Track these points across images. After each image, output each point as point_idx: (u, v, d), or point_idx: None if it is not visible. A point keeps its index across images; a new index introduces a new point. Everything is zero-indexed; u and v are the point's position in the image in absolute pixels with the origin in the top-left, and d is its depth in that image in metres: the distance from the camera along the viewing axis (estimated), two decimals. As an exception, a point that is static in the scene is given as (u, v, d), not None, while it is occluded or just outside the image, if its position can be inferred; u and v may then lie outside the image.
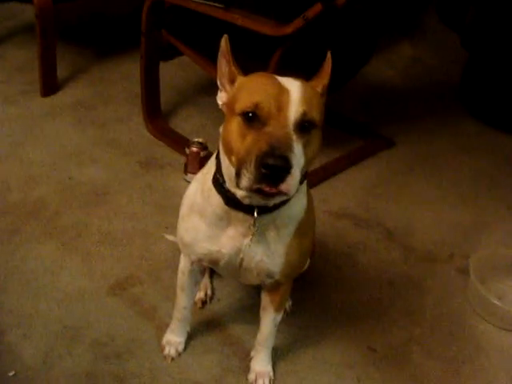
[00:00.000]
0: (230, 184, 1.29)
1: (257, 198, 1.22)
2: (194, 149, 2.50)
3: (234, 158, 1.20)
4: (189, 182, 2.54)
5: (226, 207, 1.32)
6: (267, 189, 1.11)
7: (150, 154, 2.73)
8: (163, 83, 2.96)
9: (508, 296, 2.16)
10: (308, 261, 1.72)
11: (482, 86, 3.41)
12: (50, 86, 3.11)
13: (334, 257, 2.26)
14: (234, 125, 1.20)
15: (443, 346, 1.94)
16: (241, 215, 1.32)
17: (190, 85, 3.35)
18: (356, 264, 2.23)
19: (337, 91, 2.91)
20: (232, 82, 1.31)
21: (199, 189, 1.43)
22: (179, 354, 1.79)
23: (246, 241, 1.36)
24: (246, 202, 1.28)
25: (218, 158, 1.34)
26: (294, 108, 1.16)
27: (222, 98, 1.34)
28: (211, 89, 3.12)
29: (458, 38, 3.55)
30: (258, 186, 1.11)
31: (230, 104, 1.26)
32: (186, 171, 2.55)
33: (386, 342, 1.94)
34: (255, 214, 1.29)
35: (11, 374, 1.69)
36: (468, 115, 3.41)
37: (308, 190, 1.47)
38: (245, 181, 1.12)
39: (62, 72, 3.23)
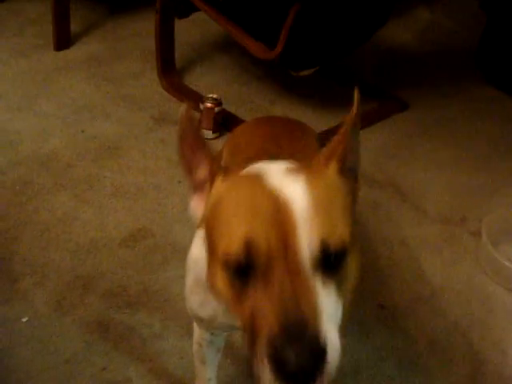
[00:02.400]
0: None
1: None
2: (209, 104, 2.49)
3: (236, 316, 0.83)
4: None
5: None
6: None
7: (163, 110, 2.71)
8: (178, 40, 2.93)
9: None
10: None
11: (499, 51, 3.34)
12: (63, 40, 3.09)
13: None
14: (220, 278, 0.82)
15: (452, 306, 1.95)
16: None
17: (205, 42, 3.32)
18: (367, 223, 2.23)
19: (349, 55, 2.89)
20: (212, 180, 0.89)
21: (203, 252, 0.94)
22: None
23: None
24: None
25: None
26: (306, 237, 0.76)
27: (195, 207, 0.93)
28: (227, 46, 3.12)
29: (477, 1, 3.49)
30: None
31: (207, 229, 0.87)
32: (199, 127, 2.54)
33: (396, 300, 1.94)
34: None
35: (24, 319, 1.72)
36: (484, 81, 3.36)
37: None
38: (267, 378, 0.72)
39: (75, 27, 3.20)
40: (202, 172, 0.92)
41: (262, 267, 0.75)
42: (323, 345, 0.71)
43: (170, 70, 2.90)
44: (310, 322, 0.71)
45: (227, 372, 1.63)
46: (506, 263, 2.00)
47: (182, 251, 1.80)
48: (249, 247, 0.75)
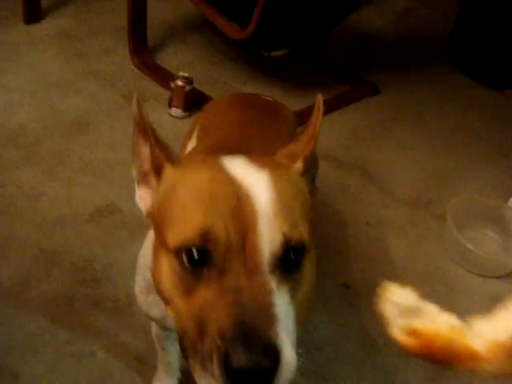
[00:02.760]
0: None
1: None
2: (180, 82, 2.48)
3: (173, 316, 0.78)
4: (173, 116, 2.59)
5: None
6: None
7: (134, 87, 2.69)
8: (151, 18, 2.90)
9: (481, 243, 2.19)
10: None
11: (471, 40, 3.38)
12: (33, 13, 3.04)
13: (313, 196, 2.27)
14: (168, 269, 0.75)
15: (415, 287, 1.97)
16: None
17: (178, 20, 3.29)
18: (335, 204, 2.25)
19: (321, 37, 2.90)
20: (157, 172, 0.85)
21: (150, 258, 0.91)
22: None
23: None
24: None
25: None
26: (268, 231, 0.71)
27: (143, 199, 0.88)
28: (200, 26, 3.10)
29: (451, -12, 3.52)
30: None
31: (157, 225, 0.81)
32: (170, 105, 2.53)
33: (361, 279, 1.97)
34: None
35: (-12, 292, 1.71)
36: (456, 69, 3.39)
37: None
38: (201, 377, 0.69)
39: (46, 1, 3.15)
40: (147, 164, 0.88)
41: (218, 259, 0.71)
42: (278, 357, 0.67)
43: (141, 47, 2.88)
44: (264, 323, 0.67)
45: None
46: (469, 247, 2.03)
47: (149, 227, 1.81)
48: (206, 237, 0.71)
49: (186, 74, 2.53)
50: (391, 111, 2.91)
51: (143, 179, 0.89)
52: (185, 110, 2.51)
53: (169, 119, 2.53)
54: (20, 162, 2.18)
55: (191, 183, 0.78)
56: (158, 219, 0.80)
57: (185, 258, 0.72)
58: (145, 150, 0.87)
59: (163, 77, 2.72)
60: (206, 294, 0.70)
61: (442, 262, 2.10)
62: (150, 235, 1.00)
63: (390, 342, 1.76)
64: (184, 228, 0.73)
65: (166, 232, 0.76)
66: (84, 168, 2.20)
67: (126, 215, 2.02)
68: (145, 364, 1.59)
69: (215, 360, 0.65)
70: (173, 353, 1.44)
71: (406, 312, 0.48)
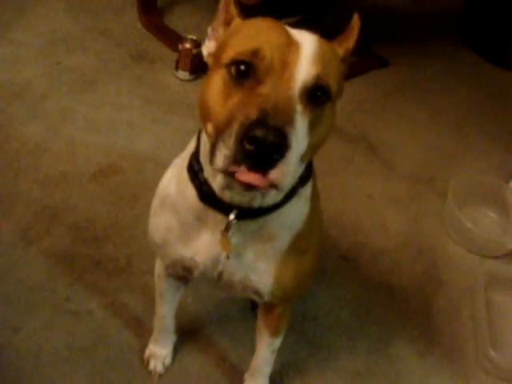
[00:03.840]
0: (207, 171, 1.00)
1: (237, 191, 0.91)
2: (187, 45, 2.46)
3: (210, 127, 0.89)
4: (179, 79, 2.58)
5: (202, 204, 1.02)
6: (244, 178, 0.80)
7: (141, 48, 2.67)
8: (161, -23, 2.87)
9: (481, 222, 2.20)
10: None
11: (481, 18, 3.34)
12: (43, -33, 2.99)
13: (315, 166, 2.27)
14: (217, 80, 0.89)
15: (412, 262, 2.00)
16: (219, 217, 1.01)
17: (188, -19, 3.26)
18: (337, 175, 2.25)
19: (331, 7, 2.87)
20: (227, 23, 1.01)
21: (175, 177, 1.11)
22: (166, 369, 1.55)
23: (223, 252, 1.05)
24: (226, 198, 0.98)
25: (198, 137, 1.05)
26: (305, 67, 0.85)
27: (209, 47, 1.02)
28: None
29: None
30: (236, 167, 0.79)
31: (217, 53, 0.95)
32: (177, 67, 2.51)
33: (358, 252, 1.98)
34: (231, 217, 0.98)
35: (-11, 246, 1.72)
36: (465, 46, 3.36)
37: (315, 194, 1.15)
38: (219, 158, 0.80)
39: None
40: (220, 20, 1.03)
41: (259, 74, 0.85)
42: (287, 141, 0.78)
43: (150, 8, 2.85)
44: (284, 120, 0.79)
45: (188, 310, 1.66)
46: (469, 225, 2.04)
47: (152, 190, 1.80)
48: (255, 54, 0.85)
49: (194, 37, 2.50)
50: (398, 85, 2.89)
51: (212, 35, 1.04)
52: (192, 72, 2.50)
53: (175, 82, 2.51)
54: (25, 118, 2.17)
55: (253, 24, 0.94)
56: (218, 52, 0.95)
57: (233, 69, 0.87)
58: (222, 14, 1.03)
59: (171, 38, 2.70)
60: (242, 96, 0.85)
61: (442, 239, 2.11)
62: (174, 165, 1.15)
63: (384, 315, 1.79)
64: (239, 47, 0.88)
65: (224, 54, 0.91)
66: (88, 127, 2.19)
67: (129, 176, 2.02)
68: (142, 325, 1.61)
69: (235, 132, 0.79)
70: (170, 304, 1.45)
71: None
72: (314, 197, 1.13)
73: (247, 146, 0.77)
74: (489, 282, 1.91)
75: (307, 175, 1.05)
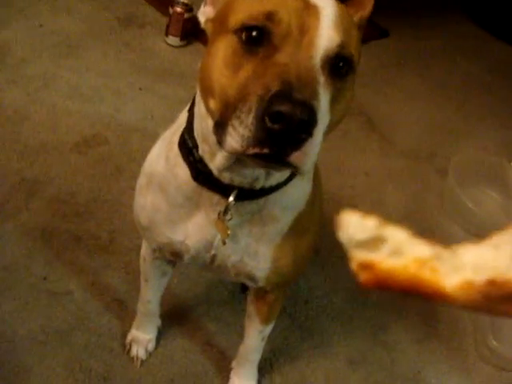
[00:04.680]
0: (203, 149, 0.89)
1: (243, 172, 0.85)
2: (178, 9, 2.33)
3: (214, 103, 0.78)
4: (169, 45, 2.45)
5: (195, 184, 0.92)
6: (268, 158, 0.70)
7: (130, 11, 2.54)
8: None
9: (481, 202, 2.11)
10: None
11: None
12: None
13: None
14: (224, 47, 0.78)
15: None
16: (215, 198, 0.92)
17: None
18: (333, 149, 2.14)
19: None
20: None
21: (163, 153, 0.99)
22: (150, 355, 1.46)
23: (219, 235, 0.96)
24: (225, 178, 0.88)
25: (191, 110, 0.94)
26: (327, 33, 0.75)
27: (206, 12, 0.89)
28: None
29: None
30: (258, 150, 0.69)
31: (220, 18, 0.83)
32: (167, 33, 2.38)
33: (355, 232, 1.89)
34: (230, 198, 0.89)
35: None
36: (468, 18, 3.25)
37: (317, 171, 1.07)
38: (235, 139, 0.70)
39: None
40: None
41: (275, 40, 0.74)
42: (316, 117, 0.68)
43: (140, -32, 2.70)
44: (310, 93, 0.69)
45: (174, 291, 1.57)
46: (469, 205, 1.95)
47: (138, 162, 1.69)
48: (270, 17, 0.74)
49: (185, 0, 2.37)
50: (399, 57, 2.79)
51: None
52: (182, 38, 2.37)
53: (165, 48, 2.39)
54: (3, 83, 2.04)
55: None
56: (221, 16, 0.83)
57: (244, 35, 0.75)
58: None
59: (161, 2, 2.56)
60: (255, 66, 0.73)
61: (441, 219, 2.02)
62: (163, 139, 1.03)
63: (381, 299, 1.71)
64: (250, 9, 0.76)
65: (230, 18, 0.79)
66: (71, 94, 2.06)
67: (113, 147, 1.91)
68: (124, 307, 1.52)
69: (254, 107, 0.68)
70: (155, 288, 1.35)
71: (364, 243, 0.40)
72: (316, 173, 1.05)
73: (271, 125, 0.66)
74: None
75: None
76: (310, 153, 0.70)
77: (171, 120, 1.04)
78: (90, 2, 2.54)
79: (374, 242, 0.43)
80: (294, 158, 0.69)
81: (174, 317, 1.54)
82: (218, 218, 0.92)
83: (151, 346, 1.46)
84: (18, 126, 1.91)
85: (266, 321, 1.26)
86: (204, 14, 0.89)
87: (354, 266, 0.43)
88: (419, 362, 1.60)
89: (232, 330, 1.53)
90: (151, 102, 2.11)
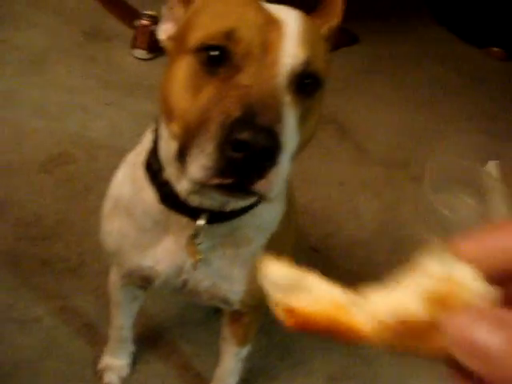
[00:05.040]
0: (169, 171, 0.85)
1: (212, 195, 0.81)
2: (145, 22, 2.30)
3: (175, 126, 0.75)
4: (136, 58, 2.40)
5: (162, 207, 0.89)
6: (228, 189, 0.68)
7: (96, 24, 2.49)
8: None
9: (457, 208, 2.10)
10: None
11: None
12: None
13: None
14: (184, 68, 0.75)
15: (387, 252, 1.88)
16: (184, 220, 0.88)
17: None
18: (306, 159, 2.10)
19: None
20: (187, 2, 0.84)
21: (129, 176, 0.96)
22: (123, 381, 1.41)
23: (190, 260, 0.92)
24: (194, 201, 0.84)
25: (156, 130, 0.90)
26: (291, 50, 0.72)
27: (166, 30, 0.86)
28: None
29: None
30: (220, 180, 0.66)
31: (181, 36, 0.80)
32: (134, 46, 2.35)
33: (330, 243, 1.86)
34: (200, 222, 0.85)
35: None
36: (435, 22, 3.26)
37: (290, 189, 1.03)
38: (196, 169, 0.67)
39: None
40: (181, 6, 0.86)
41: (237, 59, 0.71)
42: (279, 143, 0.65)
43: (105, -20, 2.66)
44: (273, 117, 0.65)
45: (147, 313, 1.52)
46: (445, 212, 1.93)
47: (106, 180, 1.65)
48: (230, 36, 0.71)
49: (151, 12, 2.33)
50: (369, 63, 2.78)
51: (169, 15, 0.87)
52: (150, 51, 2.34)
53: (132, 61, 2.34)
54: (-35, 102, 1.99)
55: (222, 0, 0.78)
56: (180, 34, 0.80)
57: (203, 56, 0.73)
58: None
59: (127, 14, 2.53)
60: (217, 87, 0.70)
61: (416, 227, 2.00)
62: (128, 161, 0.99)
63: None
64: (209, 27, 0.73)
65: (189, 37, 0.76)
66: (36, 111, 2.01)
67: (81, 166, 1.86)
68: (95, 332, 1.46)
69: (214, 134, 0.65)
70: (127, 314, 1.30)
71: (284, 288, 0.41)
72: (289, 191, 1.02)
73: (232, 154, 0.63)
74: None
75: None
76: (276, 180, 0.67)
77: (139, 135, 1.01)
78: (54, 15, 2.49)
79: (295, 289, 0.44)
80: (259, 186, 0.66)
81: (148, 340, 1.49)
82: (188, 242, 0.88)
83: (125, 372, 1.41)
84: (-19, 150, 1.85)
85: (242, 343, 1.22)
86: (164, 31, 0.86)
87: (278, 310, 0.43)
88: (402, 375, 1.57)
89: (208, 351, 1.49)
90: (119, 117, 2.06)
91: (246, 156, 0.62)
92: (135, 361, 1.44)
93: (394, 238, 1.94)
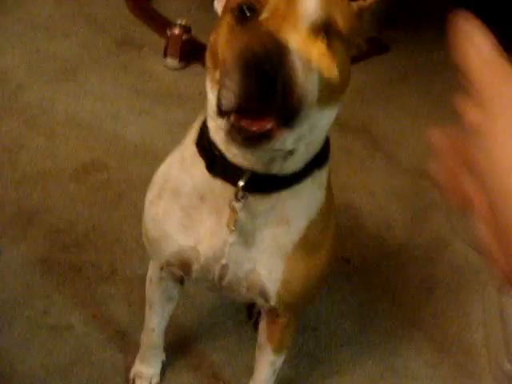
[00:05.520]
0: (216, 137, 0.92)
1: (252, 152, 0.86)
2: (176, 31, 2.31)
3: (218, 73, 0.84)
4: (168, 67, 2.42)
5: (210, 180, 0.94)
6: (244, 122, 0.76)
7: (127, 34, 2.51)
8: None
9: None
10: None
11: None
12: None
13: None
14: (223, 26, 0.86)
15: (418, 264, 1.87)
16: (228, 194, 0.92)
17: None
18: (337, 169, 2.10)
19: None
20: None
21: (178, 156, 1.03)
22: None
23: (232, 238, 0.96)
24: (237, 159, 0.89)
25: (204, 123, 0.97)
26: (312, 5, 0.81)
27: (220, 1, 0.97)
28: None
29: None
30: (241, 100, 0.74)
31: (226, 2, 0.92)
32: (165, 54, 2.36)
33: (361, 253, 1.85)
34: (241, 183, 0.90)
35: (-41, 253, 1.57)
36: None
37: (330, 187, 1.05)
38: (226, 97, 0.75)
39: None
40: None
41: (264, 12, 0.80)
42: (287, 68, 0.73)
43: (137, -10, 2.69)
44: (283, 48, 0.74)
45: (178, 322, 1.52)
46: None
47: (138, 188, 1.67)
48: None
49: (183, 22, 2.35)
50: (400, 72, 2.75)
51: None
52: (181, 60, 2.34)
53: (163, 70, 2.36)
54: (0, 111, 2.01)
55: None
56: (226, 2, 0.90)
57: (237, 12, 0.83)
58: None
59: (159, 23, 2.54)
60: (246, 35, 0.78)
61: (448, 238, 1.97)
62: (176, 150, 1.06)
63: (390, 324, 1.66)
64: None
65: (230, 1, 0.87)
66: (70, 120, 2.03)
67: (113, 173, 1.87)
68: (127, 340, 1.47)
69: (236, 63, 0.74)
70: (160, 315, 1.31)
71: None
72: (329, 190, 1.05)
73: (250, 78, 0.72)
74: (501, 284, 1.79)
75: (324, 155, 0.97)
76: (296, 111, 0.75)
77: (171, 143, 1.03)
78: (86, 25, 2.52)
79: None
80: (280, 115, 0.74)
81: (179, 349, 1.49)
82: (228, 205, 0.93)
83: (155, 381, 1.42)
84: (15, 155, 1.88)
85: (278, 349, 1.22)
86: (218, 3, 0.96)
87: None
88: (434, 389, 1.56)
89: (239, 360, 1.48)
90: (151, 125, 2.08)
91: (263, 79, 0.71)
92: (165, 370, 1.44)
93: (425, 248, 1.92)
